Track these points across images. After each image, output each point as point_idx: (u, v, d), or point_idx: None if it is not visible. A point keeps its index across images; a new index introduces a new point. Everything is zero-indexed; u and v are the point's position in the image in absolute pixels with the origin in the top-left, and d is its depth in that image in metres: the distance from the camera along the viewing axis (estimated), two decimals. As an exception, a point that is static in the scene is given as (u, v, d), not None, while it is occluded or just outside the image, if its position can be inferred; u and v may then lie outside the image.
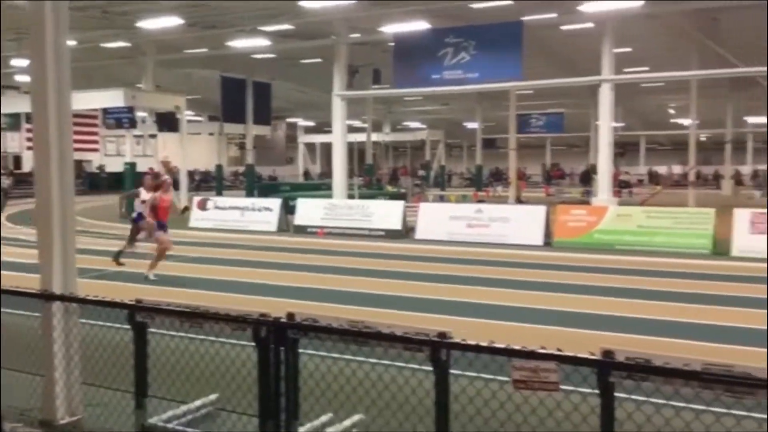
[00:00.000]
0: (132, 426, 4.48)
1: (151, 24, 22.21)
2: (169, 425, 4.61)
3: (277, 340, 3.76)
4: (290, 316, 3.78)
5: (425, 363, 3.43)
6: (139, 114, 27.37)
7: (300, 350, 3.84)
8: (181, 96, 27.74)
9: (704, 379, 2.93)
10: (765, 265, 13.01)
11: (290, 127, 57.36)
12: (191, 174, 35.96)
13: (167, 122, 29.83)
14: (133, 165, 26.12)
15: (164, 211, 12.04)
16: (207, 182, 43.95)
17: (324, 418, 4.58)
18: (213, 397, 5.16)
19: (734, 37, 22.20)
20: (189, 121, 34.88)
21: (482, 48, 18.59)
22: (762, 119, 35.89)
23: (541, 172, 54.92)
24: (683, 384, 3.02)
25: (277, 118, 46.25)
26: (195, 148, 40.54)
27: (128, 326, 4.38)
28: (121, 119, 25.62)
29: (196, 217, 21.39)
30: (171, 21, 21.75)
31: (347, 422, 4.62)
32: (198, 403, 5.06)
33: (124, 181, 26.02)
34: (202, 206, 21.71)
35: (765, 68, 22.33)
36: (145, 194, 13.21)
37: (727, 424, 3.04)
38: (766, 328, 8.20)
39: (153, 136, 29.58)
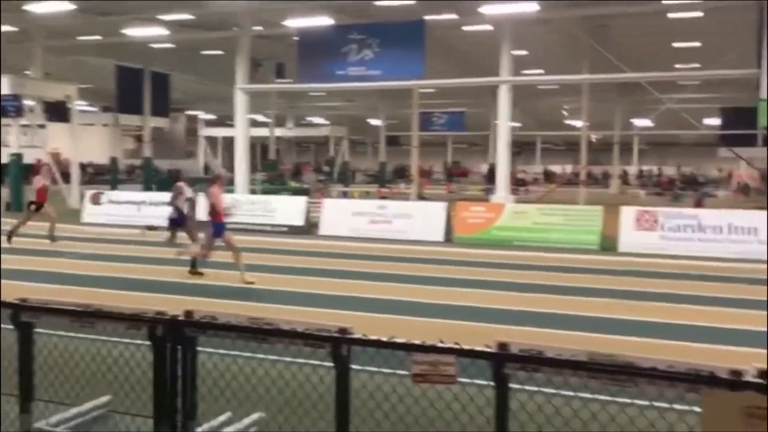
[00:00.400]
0: (16, 431, 4.25)
1: (39, 8, 21.04)
2: (57, 429, 4.41)
3: (174, 339, 3.67)
4: (188, 313, 3.69)
5: (326, 359, 3.43)
6: (27, 102, 25.84)
7: (199, 348, 3.76)
8: (72, 85, 26.43)
9: (590, 369, 3.08)
10: (648, 260, 13.83)
11: (191, 119, 55.83)
12: (84, 167, 34.35)
13: (57, 112, 28.36)
14: (19, 156, 24.68)
15: (219, 208, 10.77)
16: (101, 175, 42.12)
17: (222, 418, 4.50)
18: (105, 398, 4.96)
19: (622, 43, 23.41)
20: (81, 112, 33.27)
21: (386, 46, 18.75)
22: (647, 122, 38.02)
23: (443, 169, 55.99)
24: (572, 374, 3.17)
25: (176, 110, 44.89)
26: (88, 140, 38.74)
27: (12, 326, 4.14)
28: (6, 107, 24.14)
29: (89, 212, 20.49)
30: (61, 5, 20.68)
31: (246, 421, 4.56)
32: (89, 405, 4.85)
33: (8, 173, 24.56)
34: (96, 200, 20.82)
35: (651, 74, 23.70)
36: (189, 191, 12.21)
37: (611, 412, 3.21)
38: (648, 319, 8.74)
39: (42, 126, 28.02)
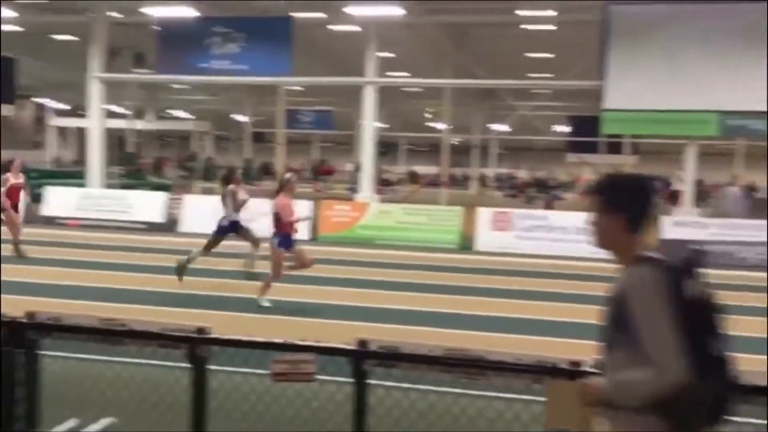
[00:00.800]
0: None
1: None
2: None
3: (14, 342, 3.43)
4: (30, 315, 3.46)
5: (183, 360, 3.34)
6: None
7: (44, 352, 3.54)
8: None
9: (444, 363, 3.21)
10: (503, 258, 14.55)
11: (39, 108, 52.13)
12: None
13: None
14: None
15: (288, 219, 9.41)
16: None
17: (69, 424, 4.26)
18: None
19: (482, 50, 24.43)
20: None
21: (252, 41, 18.43)
22: (504, 127, 39.91)
23: (310, 168, 55.87)
24: (428, 369, 3.28)
25: (23, 98, 41.74)
26: None
27: None
28: None
29: None
30: None
31: (95, 426, 4.35)
32: None
33: None
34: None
35: (507, 81, 24.91)
36: (243, 194, 10.60)
37: (463, 404, 3.36)
38: (500, 315, 9.19)
39: None
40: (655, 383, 2.28)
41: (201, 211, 17.99)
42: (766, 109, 15.98)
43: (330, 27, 22.21)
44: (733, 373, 2.41)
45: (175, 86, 38.52)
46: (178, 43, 19.05)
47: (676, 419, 2.31)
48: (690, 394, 2.28)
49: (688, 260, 2.45)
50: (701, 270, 2.42)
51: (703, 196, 24.80)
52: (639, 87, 16.37)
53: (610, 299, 2.47)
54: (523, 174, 53.45)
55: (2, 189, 13.02)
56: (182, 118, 51.95)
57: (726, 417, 2.37)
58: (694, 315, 2.32)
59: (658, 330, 2.29)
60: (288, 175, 10.28)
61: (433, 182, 39.22)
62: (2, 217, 13.11)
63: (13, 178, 13.42)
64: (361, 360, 3.26)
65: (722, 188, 21.59)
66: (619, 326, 2.40)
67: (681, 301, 2.32)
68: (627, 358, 2.34)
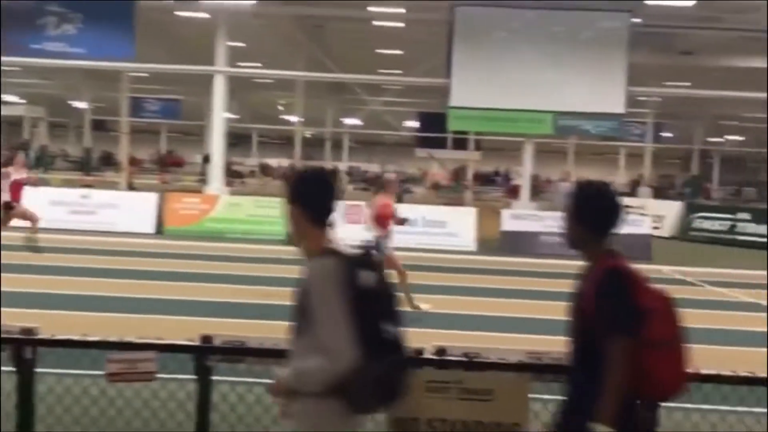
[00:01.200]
0: None
1: None
2: None
3: None
4: None
5: (8, 363, 3.10)
6: None
7: None
8: None
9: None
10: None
11: None
12: None
13: None
14: None
15: (387, 220, 8.58)
16: None
17: None
18: None
19: (335, 44, 24.57)
20: None
21: (90, 22, 17.31)
22: (356, 121, 40.40)
23: (156, 158, 53.57)
24: (274, 362, 3.26)
25: None
26: None
27: None
28: None
29: None
30: None
31: None
32: None
33: None
34: None
35: (359, 76, 25.21)
36: None
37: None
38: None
39: None
40: (330, 369, 2.39)
41: (33, 203, 16.73)
42: (594, 111, 17.37)
43: (178, 13, 21.35)
44: (405, 355, 2.56)
45: (4, 68, 35.48)
46: (7, 22, 17.54)
47: (352, 402, 2.44)
48: (362, 377, 2.40)
49: (365, 252, 2.58)
50: (377, 260, 2.56)
51: (539, 190, 26.46)
52: (482, 86, 17.18)
53: (296, 289, 2.57)
54: (374, 168, 54.34)
55: (4, 184, 11.78)
56: (12, 102, 47.91)
57: (401, 397, 2.51)
58: (368, 303, 2.46)
59: (332, 319, 2.41)
60: (389, 176, 10.34)
61: (285, 175, 38.82)
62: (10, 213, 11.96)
63: (16, 173, 12.20)
64: (204, 356, 3.19)
65: (555, 183, 23.15)
66: (304, 315, 2.50)
67: (356, 291, 2.44)
68: (310, 345, 2.44)
